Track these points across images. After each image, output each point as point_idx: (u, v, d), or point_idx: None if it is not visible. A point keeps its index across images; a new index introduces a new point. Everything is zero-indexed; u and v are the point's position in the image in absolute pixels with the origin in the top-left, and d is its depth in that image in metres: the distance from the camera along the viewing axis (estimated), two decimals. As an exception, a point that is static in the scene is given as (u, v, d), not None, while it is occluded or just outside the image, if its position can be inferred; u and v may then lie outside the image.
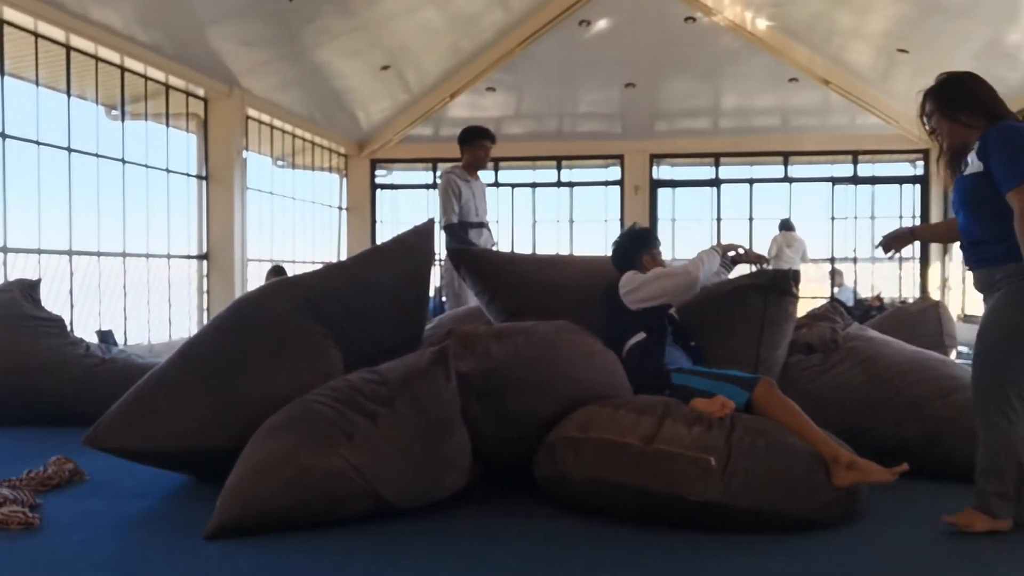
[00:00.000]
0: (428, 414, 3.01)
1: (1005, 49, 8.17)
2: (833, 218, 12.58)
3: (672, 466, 2.84)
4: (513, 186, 13.38)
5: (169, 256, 8.80)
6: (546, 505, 3.16)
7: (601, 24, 10.57)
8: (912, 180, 12.59)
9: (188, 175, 9.09)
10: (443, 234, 5.73)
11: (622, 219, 12.73)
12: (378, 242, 12.61)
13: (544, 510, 3.12)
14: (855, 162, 12.63)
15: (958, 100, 2.85)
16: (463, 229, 5.83)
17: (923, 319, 4.81)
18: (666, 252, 13.01)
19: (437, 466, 3.03)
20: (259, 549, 2.69)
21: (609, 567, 2.58)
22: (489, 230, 6.13)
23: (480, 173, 6.08)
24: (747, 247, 4.07)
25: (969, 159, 2.81)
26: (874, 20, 9.47)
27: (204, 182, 9.20)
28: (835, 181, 12.68)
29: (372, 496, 2.89)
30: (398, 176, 13.80)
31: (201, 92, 8.97)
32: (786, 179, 12.84)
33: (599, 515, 3.01)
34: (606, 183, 13.25)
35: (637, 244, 3.83)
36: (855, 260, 12.72)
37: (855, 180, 12.68)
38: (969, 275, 3.03)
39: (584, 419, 3.11)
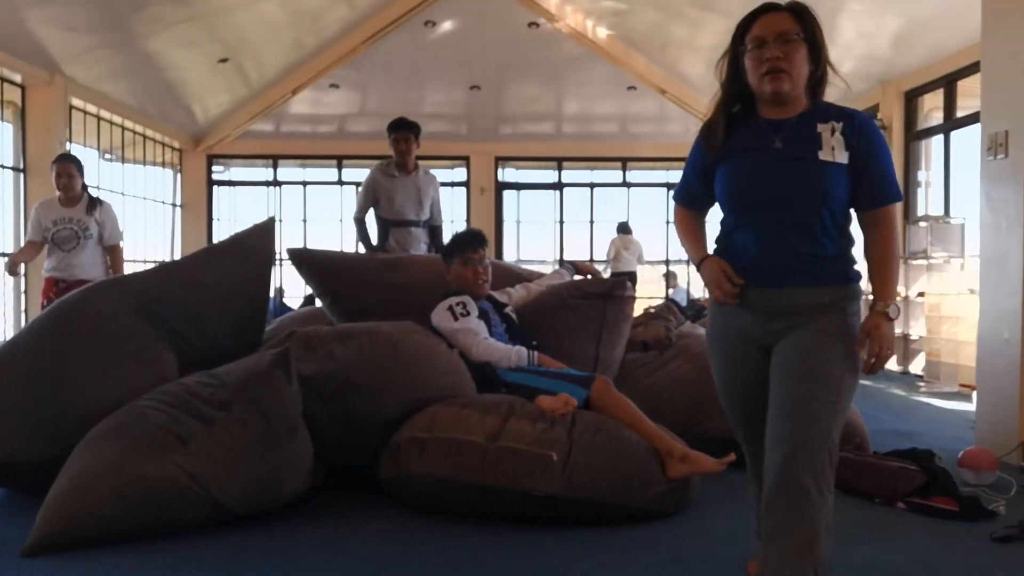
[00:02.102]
0: (269, 417, 2.93)
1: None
2: (668, 222, 13.14)
3: (516, 462, 2.90)
4: (357, 185, 13.19)
5: (-19, 254, 8.15)
6: (391, 507, 3.15)
7: (446, 26, 10.60)
8: (740, 187, 13.29)
9: (3, 167, 8.45)
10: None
11: (468, 220, 12.82)
12: (215, 240, 12.16)
13: (389, 512, 3.10)
14: (688, 169, 13.22)
15: (823, 42, 2.15)
16: (384, 225, 5.63)
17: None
18: (511, 254, 13.19)
19: (278, 471, 2.95)
20: (83, 564, 2.53)
21: (455, 565, 2.60)
22: (423, 228, 5.67)
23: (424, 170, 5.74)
24: (596, 273, 4.61)
25: (824, 139, 2.10)
26: (706, 34, 9.95)
27: (21, 175, 8.57)
28: (670, 187, 13.24)
29: (209, 503, 2.78)
30: (237, 172, 13.34)
31: (18, 78, 8.34)
32: (624, 184, 13.31)
33: (444, 514, 3.03)
34: (452, 184, 13.30)
35: (446, 253, 3.92)
36: (688, 262, 13.34)
37: (688, 186, 13.27)
38: None
39: (429, 419, 3.12)
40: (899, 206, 2.27)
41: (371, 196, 5.61)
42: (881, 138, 2.16)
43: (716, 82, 2.26)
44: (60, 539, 2.62)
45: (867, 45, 8.14)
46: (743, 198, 2.18)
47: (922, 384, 7.04)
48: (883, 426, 4.78)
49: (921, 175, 8.57)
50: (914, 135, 8.49)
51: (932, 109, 8.43)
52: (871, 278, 2.14)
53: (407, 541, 2.81)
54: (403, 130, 5.56)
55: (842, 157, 2.09)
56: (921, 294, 7.68)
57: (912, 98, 8.48)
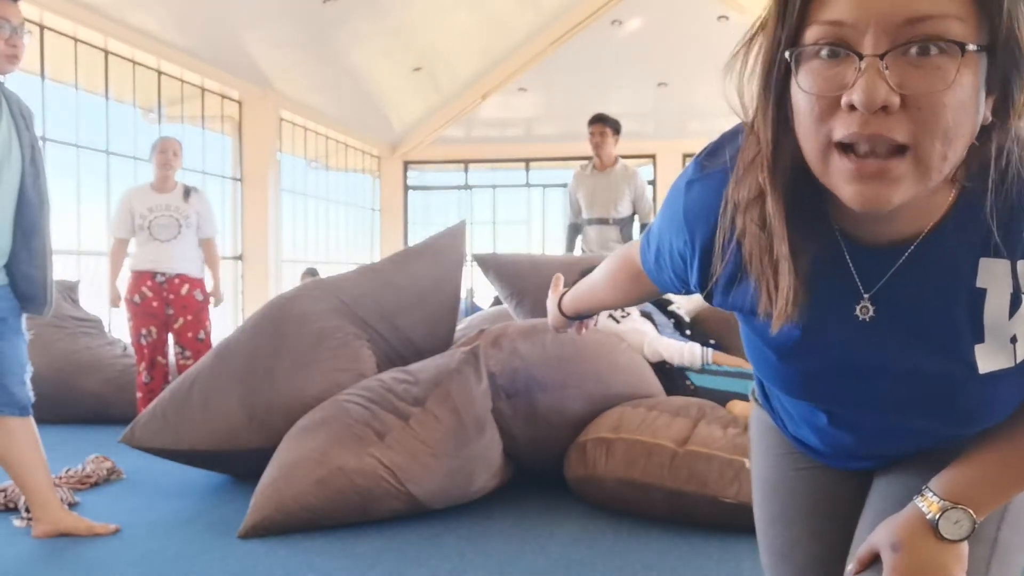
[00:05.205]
0: (460, 414, 3.02)
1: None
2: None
3: (706, 468, 2.82)
4: (544, 187, 13.37)
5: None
6: (577, 506, 3.15)
7: (633, 24, 10.53)
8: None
9: (223, 177, 9.19)
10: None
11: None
12: (410, 243, 12.69)
13: (575, 511, 3.11)
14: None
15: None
16: (571, 230, 5.69)
17: None
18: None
19: (469, 466, 3.03)
20: (292, 547, 2.71)
21: (640, 568, 2.56)
22: (613, 224, 5.55)
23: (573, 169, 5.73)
24: None
25: (991, 309, 0.85)
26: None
27: (239, 184, 9.29)
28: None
29: (404, 496, 2.90)
30: (430, 177, 13.84)
31: (236, 95, 9.06)
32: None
33: (630, 516, 3.00)
34: (638, 183, 13.21)
35: None
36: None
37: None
38: None
39: (616, 420, 3.10)
40: None
41: (573, 198, 5.66)
42: None
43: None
44: (272, 523, 2.82)
45: None
46: (796, 396, 1.09)
47: None
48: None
49: None
50: None
51: None
52: (964, 457, 0.98)
53: (594, 541, 2.80)
54: (597, 123, 5.51)
55: None
56: None
57: None
